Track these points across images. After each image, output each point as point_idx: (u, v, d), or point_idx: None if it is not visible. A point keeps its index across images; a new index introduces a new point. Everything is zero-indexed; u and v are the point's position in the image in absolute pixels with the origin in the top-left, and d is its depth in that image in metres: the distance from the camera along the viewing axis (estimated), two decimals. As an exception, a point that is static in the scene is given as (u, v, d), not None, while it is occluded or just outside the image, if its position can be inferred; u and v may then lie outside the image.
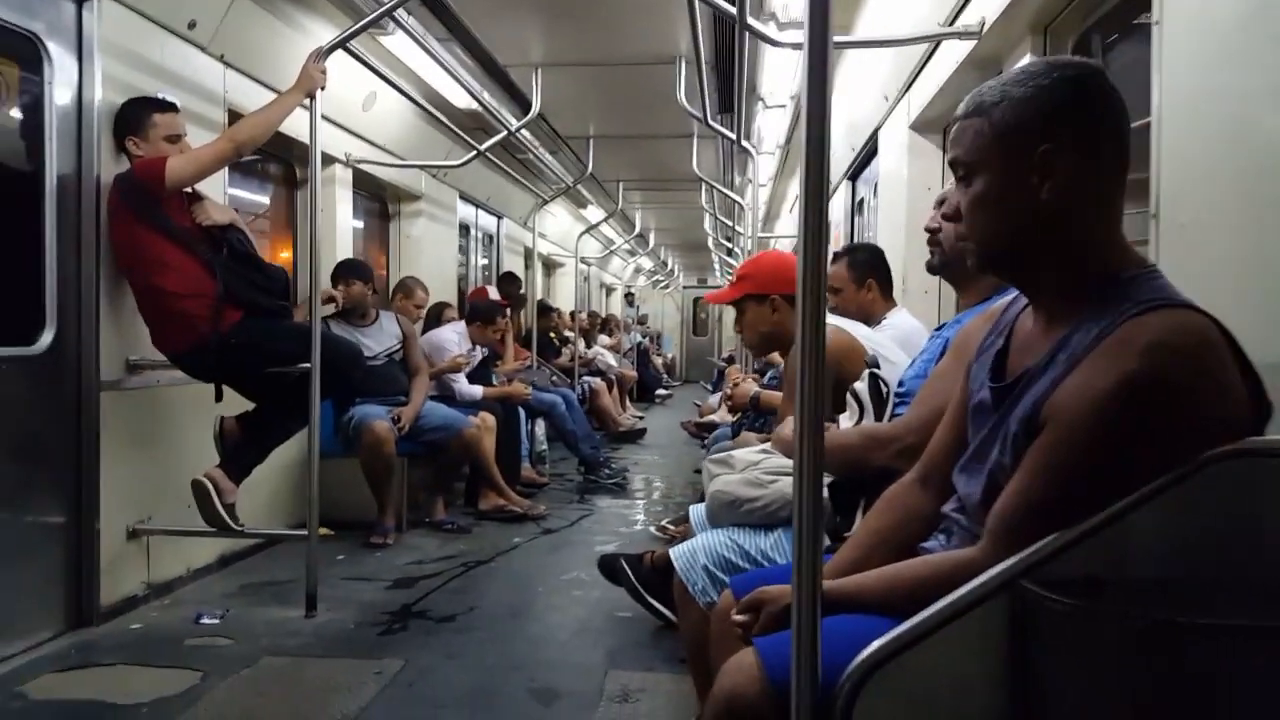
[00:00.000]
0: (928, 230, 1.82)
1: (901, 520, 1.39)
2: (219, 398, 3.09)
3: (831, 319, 2.46)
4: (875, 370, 1.94)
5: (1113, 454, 1.03)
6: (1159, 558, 1.04)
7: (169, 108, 3.04)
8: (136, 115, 2.96)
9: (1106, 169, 1.14)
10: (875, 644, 1.06)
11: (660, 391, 13.06)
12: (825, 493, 1.78)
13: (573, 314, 9.18)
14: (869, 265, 2.94)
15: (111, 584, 2.99)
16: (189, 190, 3.02)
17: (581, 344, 8.88)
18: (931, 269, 1.84)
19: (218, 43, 3.41)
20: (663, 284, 18.25)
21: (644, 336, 15.04)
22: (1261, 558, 1.03)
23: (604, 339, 11.02)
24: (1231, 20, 1.43)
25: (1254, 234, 1.34)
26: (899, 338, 2.58)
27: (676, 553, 2.05)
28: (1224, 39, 1.44)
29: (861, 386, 1.92)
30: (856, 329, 2.36)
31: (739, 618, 1.32)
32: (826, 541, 1.76)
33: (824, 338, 1.07)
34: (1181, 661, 0.92)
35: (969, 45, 2.81)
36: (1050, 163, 1.12)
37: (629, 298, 17.50)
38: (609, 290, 16.51)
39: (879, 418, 1.86)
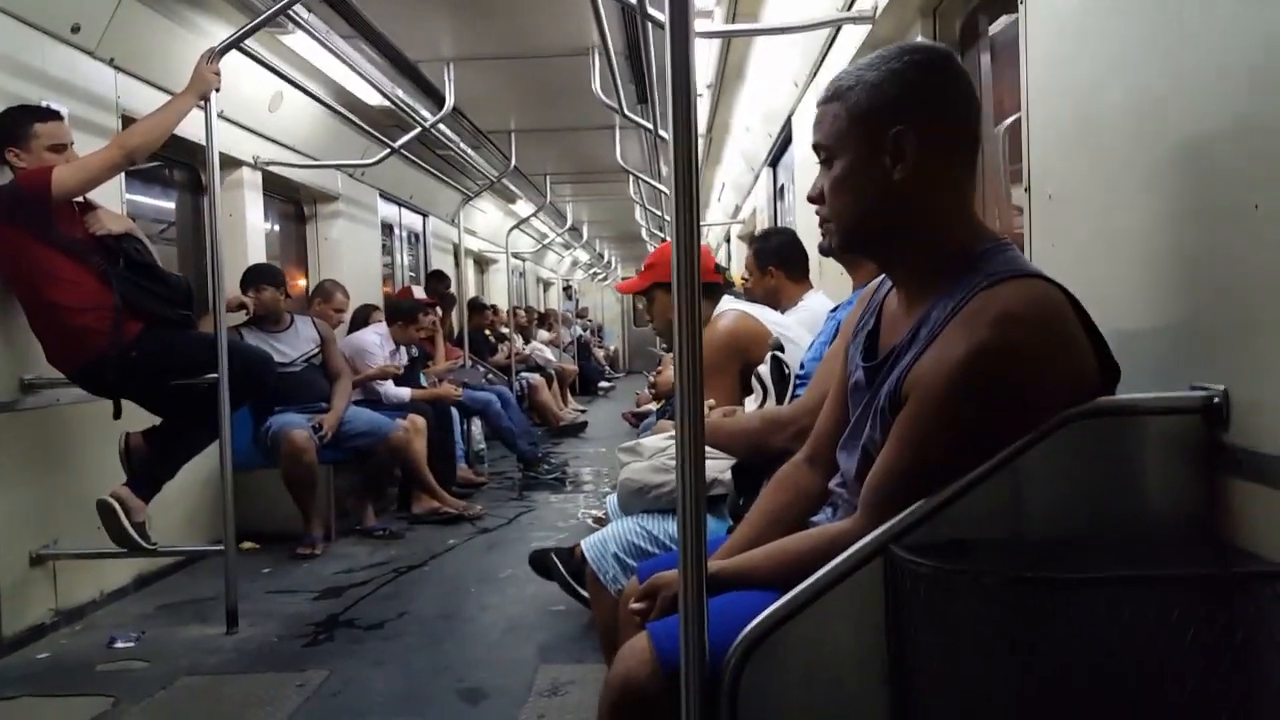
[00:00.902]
0: (817, 214, 1.84)
1: (792, 499, 1.43)
2: (117, 415, 2.99)
3: (739, 304, 2.50)
4: (778, 353, 1.96)
5: (970, 421, 1.07)
6: (1019, 518, 1.07)
7: (52, 115, 2.92)
8: (16, 125, 2.83)
9: (955, 150, 1.18)
10: (757, 619, 1.09)
11: (603, 384, 13.06)
12: (729, 474, 1.83)
13: (511, 310, 9.11)
14: (770, 252, 2.99)
15: (14, 613, 2.88)
16: (81, 200, 2.90)
17: (519, 340, 8.82)
18: (822, 251, 1.85)
19: (106, 46, 3.29)
20: (600, 276, 18.24)
21: (584, 329, 15.02)
22: (1114, 513, 1.08)
23: (543, 334, 10.96)
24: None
25: (1108, 203, 1.39)
26: (809, 320, 2.63)
27: (588, 543, 2.07)
28: (1084, 19, 1.49)
29: (764, 370, 1.95)
30: (763, 313, 2.39)
31: (635, 605, 1.35)
32: (730, 522, 1.79)
33: (700, 326, 1.08)
34: (1039, 616, 0.95)
35: (865, 29, 2.86)
36: (901, 144, 1.15)
37: (567, 291, 17.45)
38: (546, 285, 16.43)
39: (781, 400, 1.89)
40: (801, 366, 1.92)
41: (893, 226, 1.20)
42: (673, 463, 1.98)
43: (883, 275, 1.36)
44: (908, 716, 1.07)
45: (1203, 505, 1.09)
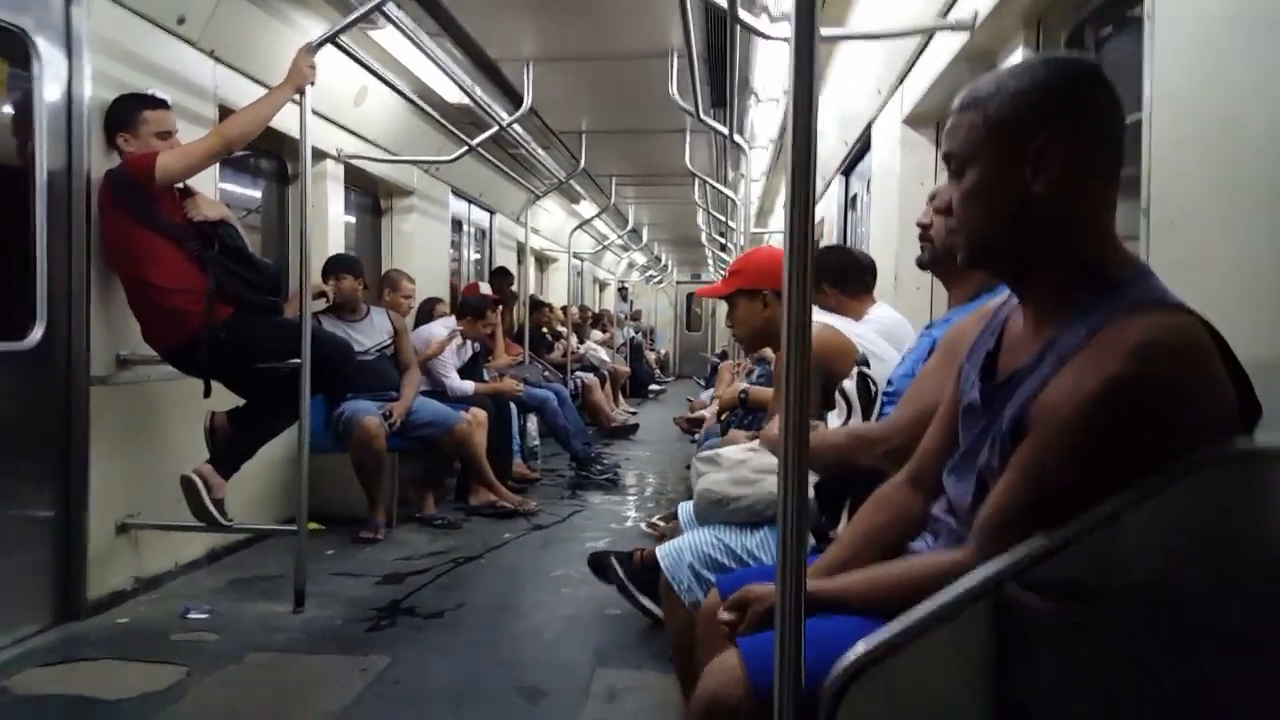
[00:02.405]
0: (919, 225, 1.82)
1: (891, 521, 1.38)
2: (207, 393, 3.08)
3: (823, 316, 2.45)
4: (864, 369, 1.93)
5: (1099, 456, 1.02)
6: (1146, 562, 1.02)
7: (160, 104, 3.03)
8: (127, 112, 2.96)
9: (1100, 165, 1.13)
10: (858, 648, 1.04)
11: (653, 387, 13.04)
12: (811, 493, 1.81)
13: (565, 309, 9.18)
14: (825, 270, 2.89)
15: (99, 578, 2.99)
16: (180, 186, 3.01)
17: (574, 339, 8.88)
18: (921, 264, 1.83)
19: (207, 38, 3.40)
20: (656, 279, 18.24)
21: (637, 332, 15.04)
22: (1249, 562, 1.02)
23: (597, 334, 11.01)
24: (1222, 14, 1.42)
25: (1243, 231, 1.32)
26: (882, 332, 2.57)
27: (663, 551, 2.04)
28: (1214, 33, 1.42)
29: (850, 385, 1.91)
30: (847, 326, 2.35)
31: (725, 616, 1.32)
32: (811, 542, 1.78)
33: (809, 336, 1.05)
34: (1164, 667, 0.92)
35: (962, 38, 2.78)
36: (1044, 157, 1.10)
37: (622, 292, 17.49)
38: (602, 285, 16.50)
39: (867, 417, 1.85)
40: (890, 383, 1.89)
41: (1028, 242, 1.14)
42: (754, 475, 1.99)
43: (998, 291, 1.30)
44: None
45: None
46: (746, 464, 2.02)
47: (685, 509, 2.29)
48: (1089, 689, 0.94)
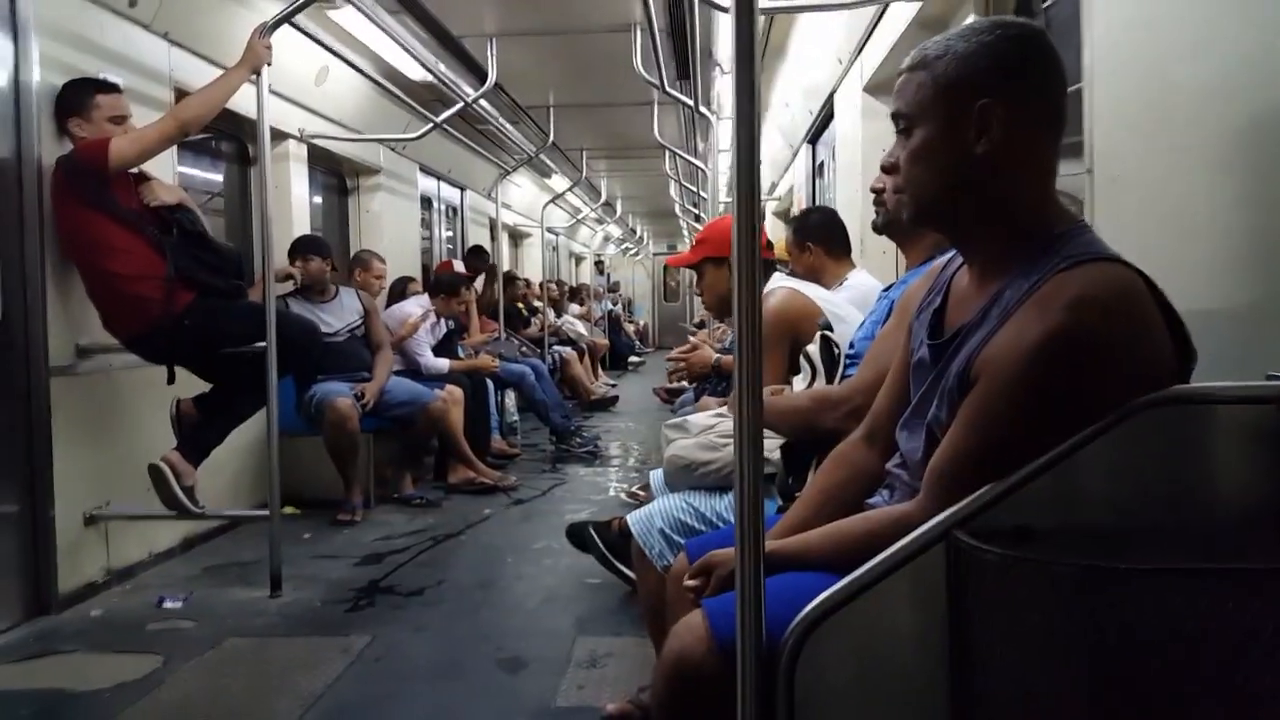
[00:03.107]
0: (873, 190, 1.83)
1: (848, 478, 1.42)
2: (171, 380, 3.06)
3: (790, 282, 2.47)
4: (827, 332, 1.95)
5: (1041, 406, 1.05)
6: (1088, 506, 1.06)
7: (112, 88, 2.97)
8: (78, 96, 2.90)
9: (1041, 127, 1.15)
10: (816, 600, 1.08)
11: (633, 359, 13.07)
12: (778, 454, 1.83)
13: (542, 284, 9.15)
14: (810, 229, 2.96)
15: (70, 571, 2.97)
16: (136, 171, 2.96)
17: (551, 314, 8.86)
18: (876, 228, 1.85)
19: (161, 20, 3.34)
20: (632, 251, 18.22)
21: (615, 304, 15.03)
22: (1187, 502, 1.06)
23: (574, 308, 10.99)
24: (1154, -21, 1.44)
25: (1177, 185, 1.36)
26: (857, 299, 2.59)
27: (633, 518, 2.07)
28: None
29: (814, 348, 1.94)
30: (813, 291, 2.37)
31: (690, 581, 1.35)
32: (779, 502, 1.80)
33: (759, 303, 1.07)
34: (1106, 606, 0.94)
35: (915, 7, 2.82)
36: (988, 118, 1.12)
37: (599, 266, 17.44)
38: (579, 259, 16.45)
39: (830, 379, 1.87)
40: (851, 346, 1.90)
41: (971, 201, 1.17)
42: (721, 440, 2.00)
43: (948, 253, 1.33)
44: (968, 704, 1.05)
45: (1277, 497, 1.05)
46: (713, 429, 2.04)
47: (656, 476, 2.31)
48: (1037, 628, 0.98)
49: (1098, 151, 1.62)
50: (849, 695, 1.10)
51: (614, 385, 9.55)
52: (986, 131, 1.12)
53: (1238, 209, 1.21)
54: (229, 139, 4.38)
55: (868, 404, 1.48)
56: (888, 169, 1.26)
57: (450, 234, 8.26)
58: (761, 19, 4.72)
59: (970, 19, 2.65)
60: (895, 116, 1.22)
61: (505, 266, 8.73)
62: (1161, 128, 1.40)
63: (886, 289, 2.00)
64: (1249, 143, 1.17)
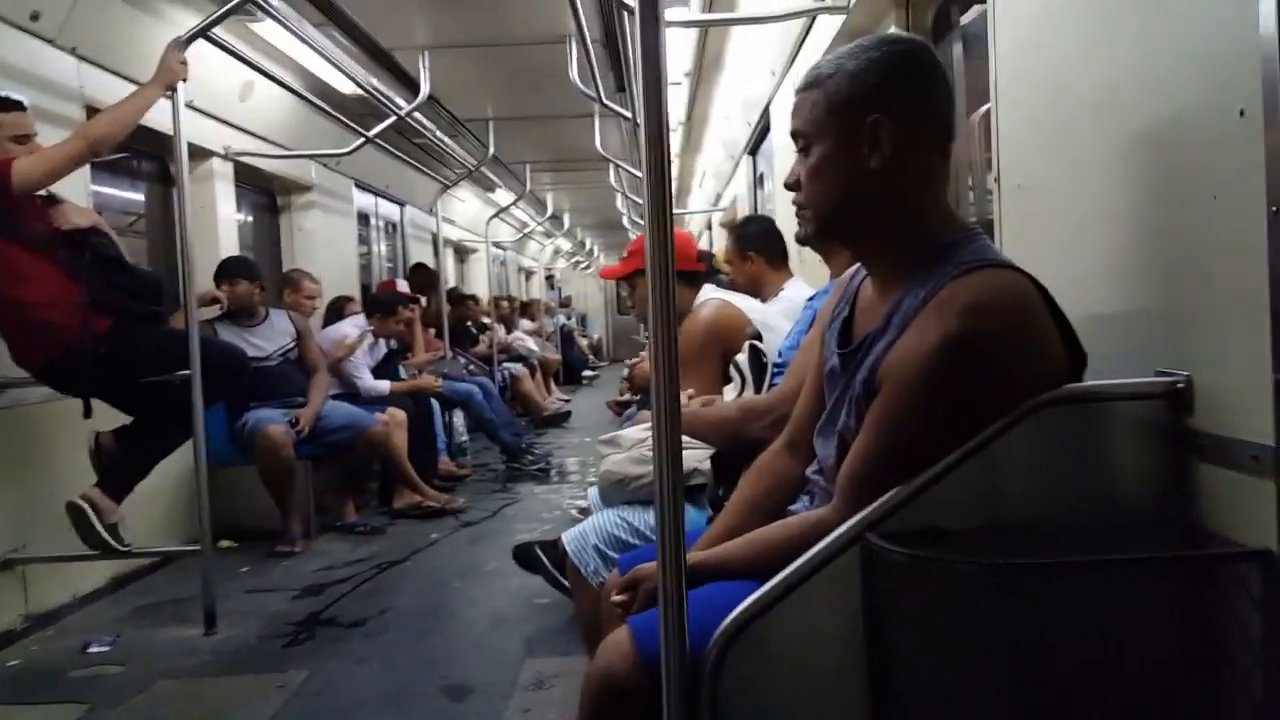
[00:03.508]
0: (794, 203, 1.83)
1: (771, 486, 1.44)
2: (88, 413, 2.92)
3: (721, 294, 2.49)
4: (755, 343, 1.95)
5: (941, 408, 1.09)
6: (995, 505, 1.09)
7: (14, 106, 2.83)
8: (-23, 115, 2.76)
9: (930, 140, 1.19)
10: (736, 610, 1.09)
11: (587, 373, 13.04)
12: (708, 464, 1.81)
13: (493, 300, 9.04)
14: (750, 238, 3.01)
15: (-17, 619, 2.83)
16: (45, 193, 2.83)
17: (501, 330, 8.76)
18: (799, 239, 1.84)
19: (67, 34, 3.21)
20: (583, 265, 18.18)
21: (568, 318, 14.98)
22: (1084, 497, 1.11)
23: (525, 323, 10.91)
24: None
25: (1073, 193, 1.41)
26: (791, 309, 2.63)
27: (568, 536, 2.06)
28: (1050, 11, 1.51)
29: (742, 358, 1.95)
30: (744, 302, 2.39)
31: (617, 598, 1.37)
32: (710, 512, 1.77)
33: (674, 316, 1.07)
34: (1009, 601, 0.98)
35: (839, 20, 2.88)
36: (878, 133, 1.16)
37: (550, 280, 17.38)
38: (528, 274, 16.36)
39: (759, 389, 1.88)
40: (780, 355, 1.90)
41: (867, 215, 1.21)
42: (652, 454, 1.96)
43: (858, 264, 1.36)
44: (886, 703, 1.08)
45: (1170, 489, 1.11)
46: (645, 443, 2.01)
47: (593, 492, 2.29)
48: (948, 626, 1.00)
49: (1004, 160, 1.68)
50: (772, 702, 1.11)
51: (568, 400, 9.51)
52: (878, 146, 1.16)
53: (1127, 215, 1.25)
54: (149, 158, 4.23)
55: (790, 412, 1.49)
56: (790, 186, 1.29)
57: (390, 250, 8.12)
58: (695, 32, 4.72)
59: (891, 30, 2.68)
60: (794, 135, 1.25)
61: (450, 283, 8.62)
62: (1060, 137, 1.45)
63: (810, 299, 2.04)
64: (1138, 151, 1.22)
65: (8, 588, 2.94)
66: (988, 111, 1.98)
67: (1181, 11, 1.12)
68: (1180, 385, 1.11)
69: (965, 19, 2.49)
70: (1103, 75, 1.30)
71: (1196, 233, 1.10)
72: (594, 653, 2.01)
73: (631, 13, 3.14)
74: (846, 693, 1.10)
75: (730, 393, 1.92)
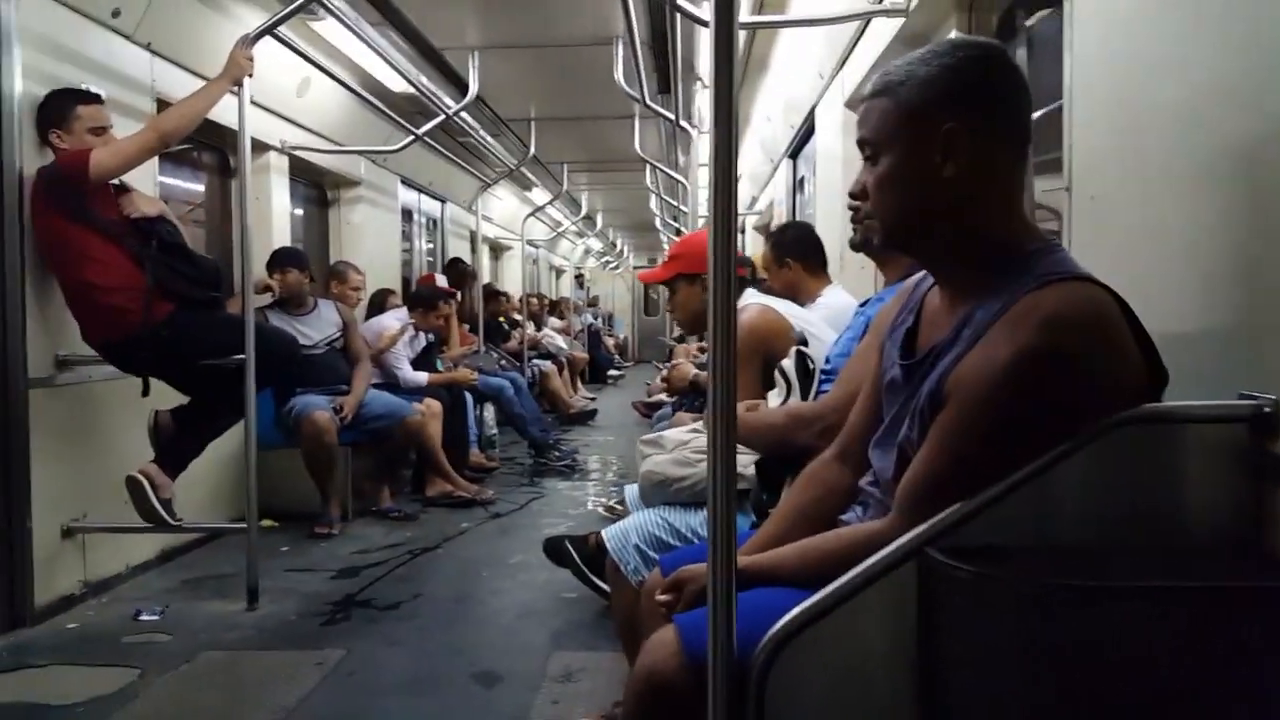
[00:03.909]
0: (850, 209, 1.86)
1: (820, 495, 1.42)
2: (146, 392, 3.05)
3: (762, 298, 2.48)
4: (802, 348, 1.97)
5: (1011, 425, 1.06)
6: (1058, 524, 1.06)
7: (93, 99, 2.97)
8: (59, 107, 2.89)
9: (1007, 147, 1.16)
10: (788, 615, 1.08)
11: (612, 372, 13.06)
12: (752, 470, 1.85)
13: (523, 297, 9.15)
14: (787, 245, 2.98)
15: (46, 584, 2.95)
16: (116, 182, 2.96)
17: (531, 327, 8.86)
18: (854, 246, 1.87)
19: (143, 31, 3.34)
20: (612, 265, 18.23)
21: (595, 318, 15.04)
22: (1157, 521, 1.07)
23: (554, 321, 11.00)
24: (1138, -2, 1.47)
25: (1154, 205, 1.37)
26: (830, 316, 2.61)
27: (609, 533, 2.08)
28: (1129, 15, 1.46)
29: (789, 364, 1.94)
30: (785, 307, 2.39)
31: (662, 597, 1.35)
32: (754, 518, 1.82)
33: (735, 321, 1.07)
34: (1075, 623, 0.95)
35: (897, 23, 2.82)
36: (953, 141, 1.13)
37: (579, 279, 17.45)
38: (559, 272, 16.45)
39: (805, 395, 1.88)
40: (827, 362, 1.91)
41: (940, 224, 1.17)
42: (696, 456, 2.02)
43: (921, 272, 1.34)
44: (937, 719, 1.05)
45: (1248, 516, 1.07)
46: (688, 445, 2.06)
47: (631, 491, 2.32)
48: (1006, 645, 0.98)
49: (1076, 169, 1.62)
50: (819, 711, 1.09)
51: (593, 399, 9.55)
52: (952, 155, 1.13)
53: (1213, 229, 1.21)
54: (210, 150, 4.38)
55: (841, 421, 1.48)
56: (856, 195, 1.27)
57: (430, 246, 8.25)
58: (740, 34, 4.76)
59: (953, 34, 2.67)
60: (861, 143, 1.23)
61: (485, 279, 8.73)
62: (1140, 147, 1.41)
63: (862, 305, 2.01)
64: (1225, 164, 1.18)
65: (69, 555, 3.07)
66: (1045, 116, 1.94)
67: (1275, 18, 1.07)
68: (1266, 410, 1.05)
69: (1031, 23, 2.43)
70: (1189, 84, 1.25)
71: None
72: (629, 649, 2.08)
73: (687, 16, 3.17)
74: (896, 707, 1.08)
75: (775, 399, 1.93)
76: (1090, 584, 0.96)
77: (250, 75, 3.06)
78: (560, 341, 9.74)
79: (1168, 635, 0.93)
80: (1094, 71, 1.59)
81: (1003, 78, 1.15)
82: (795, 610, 1.08)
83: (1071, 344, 1.03)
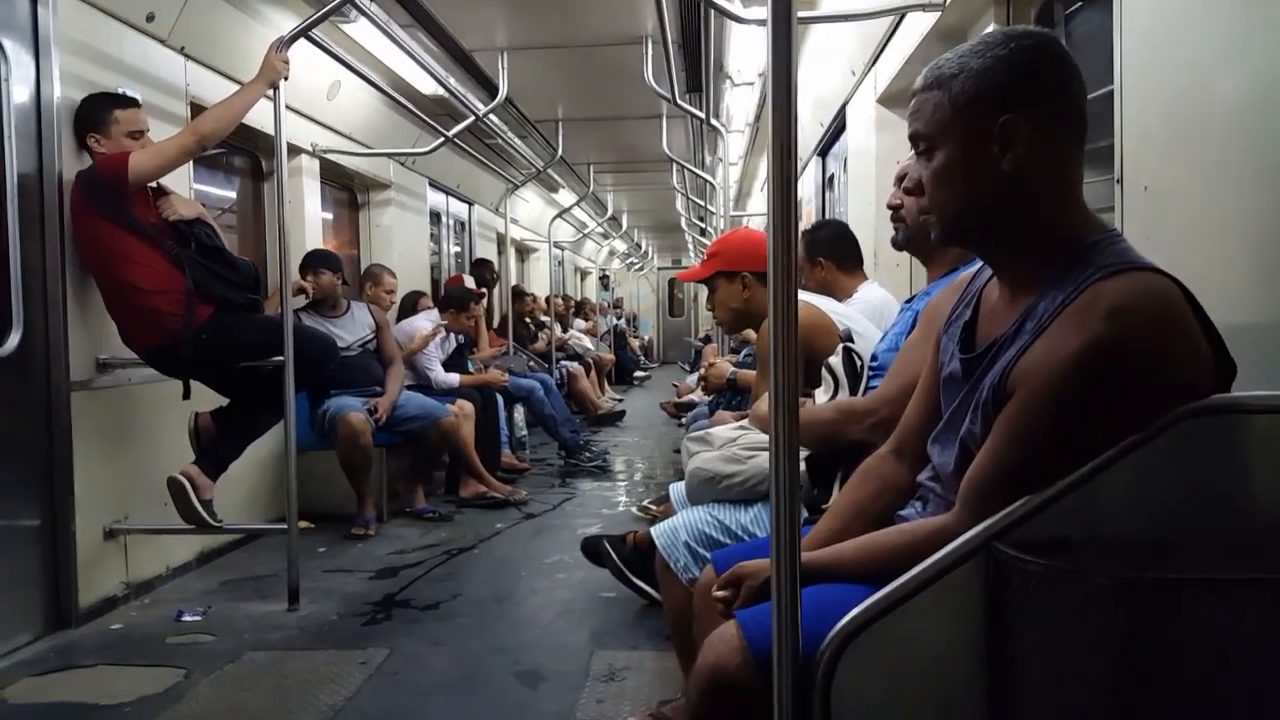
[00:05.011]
0: (890, 207, 1.84)
1: (878, 491, 1.41)
2: (187, 395, 3.06)
3: (802, 295, 2.46)
4: (849, 344, 1.95)
5: (1079, 417, 1.04)
6: (1128, 517, 1.05)
7: (130, 103, 2.99)
8: (97, 111, 2.92)
9: (1065, 137, 1.14)
10: (853, 612, 1.07)
11: (638, 373, 13.09)
12: (802, 466, 1.83)
13: (548, 298, 9.17)
14: (821, 243, 2.94)
15: (89, 585, 2.97)
16: (154, 185, 2.98)
17: (557, 328, 8.87)
18: (897, 245, 1.86)
19: (177, 35, 3.36)
20: (637, 266, 18.25)
21: (620, 319, 15.05)
22: (1226, 513, 1.05)
23: (580, 323, 11.01)
24: (1189, -14, 1.44)
25: (1212, 195, 1.35)
26: (867, 311, 2.60)
27: (658, 530, 2.06)
28: (1182, 5, 1.45)
29: (836, 361, 1.93)
30: (826, 304, 2.37)
31: (720, 593, 1.34)
32: (804, 514, 1.79)
33: (796, 314, 1.07)
34: (1148, 616, 0.94)
35: (933, 17, 2.81)
36: (1011, 133, 1.11)
37: (604, 280, 17.48)
38: (584, 274, 16.48)
39: (854, 391, 1.87)
40: (874, 358, 1.90)
41: (1001, 217, 1.16)
42: (745, 453, 2.00)
43: (974, 264, 1.32)
44: (1007, 716, 1.04)
45: None
46: (737, 442, 2.04)
47: (677, 489, 2.31)
48: (1077, 640, 0.97)
49: (1128, 160, 1.61)
50: (886, 708, 1.09)
51: (620, 400, 9.56)
52: (1011, 147, 1.11)
53: (1272, 220, 1.20)
54: (243, 153, 4.40)
55: (893, 416, 1.47)
56: (911, 191, 1.25)
57: (458, 249, 8.28)
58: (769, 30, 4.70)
59: (990, 28, 2.64)
60: (914, 138, 1.21)
61: (512, 281, 8.75)
62: (1194, 137, 1.39)
63: (908, 301, 2.00)
64: None
65: (111, 556, 3.09)
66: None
67: None
68: None
69: (1070, 17, 2.43)
70: (1245, 75, 1.24)
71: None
72: (681, 647, 2.07)
73: (722, 12, 3.15)
74: (964, 704, 1.07)
75: (821, 395, 1.92)
76: (1164, 576, 0.95)
77: (286, 78, 3.08)
78: (587, 342, 9.74)
79: (1239, 626, 0.91)
80: (1146, 61, 1.57)
81: (1058, 67, 1.14)
82: (861, 606, 1.07)
83: (1139, 334, 1.02)
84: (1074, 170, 1.16)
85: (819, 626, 1.08)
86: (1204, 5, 1.38)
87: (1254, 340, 1.22)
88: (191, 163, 3.39)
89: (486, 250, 8.48)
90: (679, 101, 4.78)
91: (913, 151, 1.25)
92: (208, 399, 3.21)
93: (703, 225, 10.15)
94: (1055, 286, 1.11)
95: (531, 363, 7.11)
